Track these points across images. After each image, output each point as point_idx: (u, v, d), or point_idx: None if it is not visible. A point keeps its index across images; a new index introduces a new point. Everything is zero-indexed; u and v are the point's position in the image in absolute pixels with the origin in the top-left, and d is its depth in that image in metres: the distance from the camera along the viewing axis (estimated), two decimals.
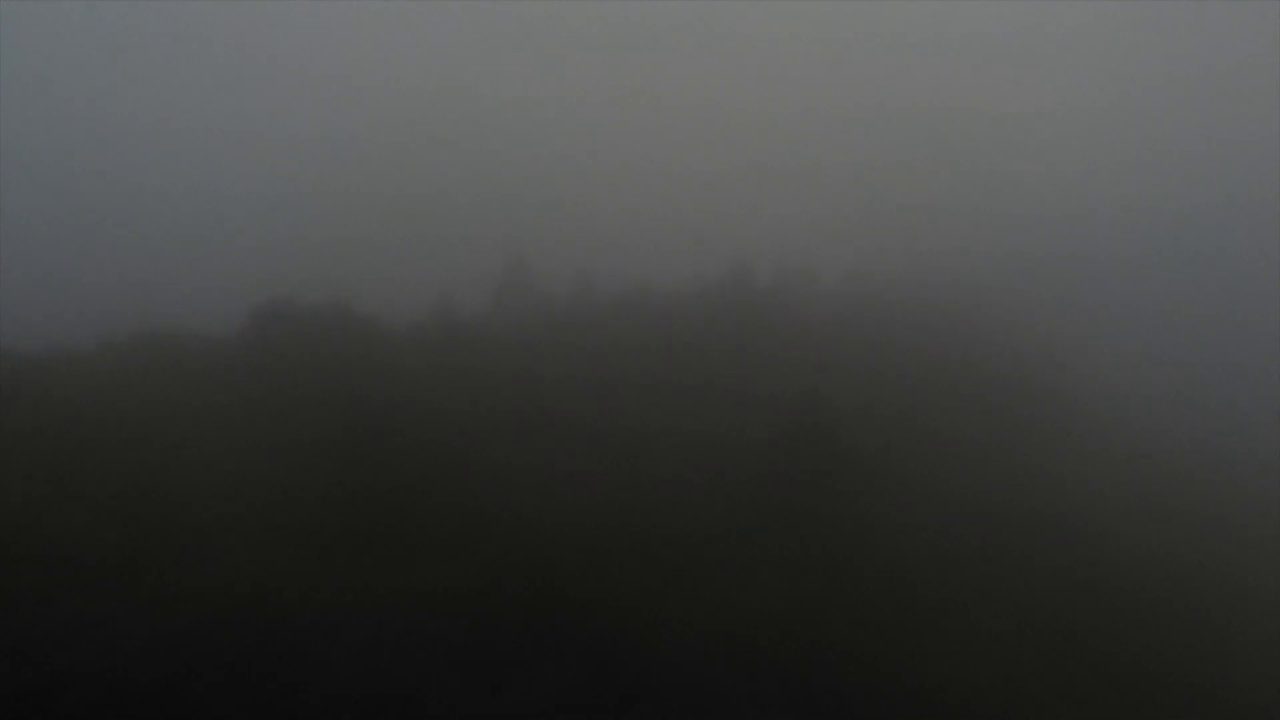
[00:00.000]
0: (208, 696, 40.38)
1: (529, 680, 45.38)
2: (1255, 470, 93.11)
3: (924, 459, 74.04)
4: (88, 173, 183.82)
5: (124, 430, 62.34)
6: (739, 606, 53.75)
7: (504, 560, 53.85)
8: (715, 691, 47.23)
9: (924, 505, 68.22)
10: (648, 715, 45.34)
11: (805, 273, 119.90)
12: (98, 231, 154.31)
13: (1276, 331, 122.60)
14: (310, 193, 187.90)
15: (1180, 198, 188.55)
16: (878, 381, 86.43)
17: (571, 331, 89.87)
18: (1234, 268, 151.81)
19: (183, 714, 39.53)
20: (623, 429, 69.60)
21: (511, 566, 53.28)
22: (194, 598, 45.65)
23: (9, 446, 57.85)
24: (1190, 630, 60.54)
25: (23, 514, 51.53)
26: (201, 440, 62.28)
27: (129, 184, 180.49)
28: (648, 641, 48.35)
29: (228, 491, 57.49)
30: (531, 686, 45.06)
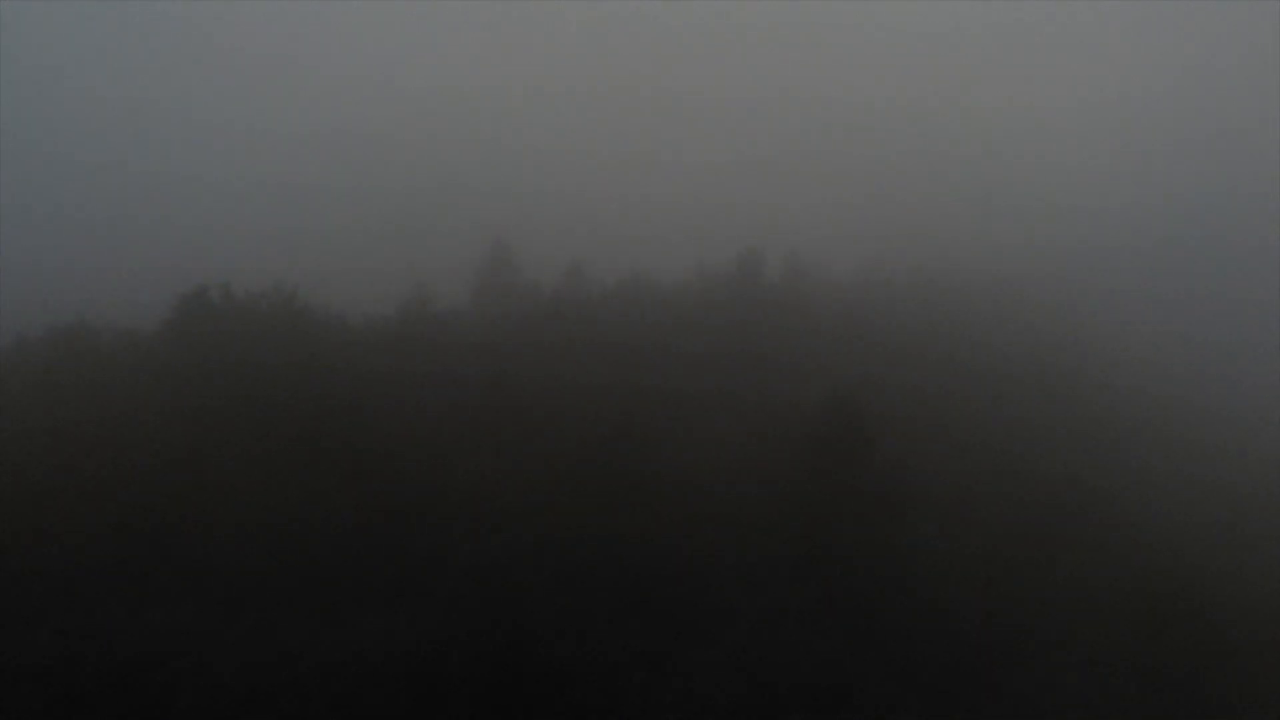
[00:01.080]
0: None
1: None
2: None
3: (948, 465, 65.49)
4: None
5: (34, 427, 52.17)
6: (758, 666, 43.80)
7: (473, 608, 43.75)
8: None
9: (945, 511, 59.61)
10: None
11: (816, 265, 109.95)
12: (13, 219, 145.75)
13: None
14: (287, 185, 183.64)
15: (1192, 189, 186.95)
16: (900, 382, 76.55)
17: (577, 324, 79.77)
18: (1245, 259, 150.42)
19: None
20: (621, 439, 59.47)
21: (481, 615, 43.18)
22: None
23: None
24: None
25: None
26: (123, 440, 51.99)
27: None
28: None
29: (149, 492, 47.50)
30: None
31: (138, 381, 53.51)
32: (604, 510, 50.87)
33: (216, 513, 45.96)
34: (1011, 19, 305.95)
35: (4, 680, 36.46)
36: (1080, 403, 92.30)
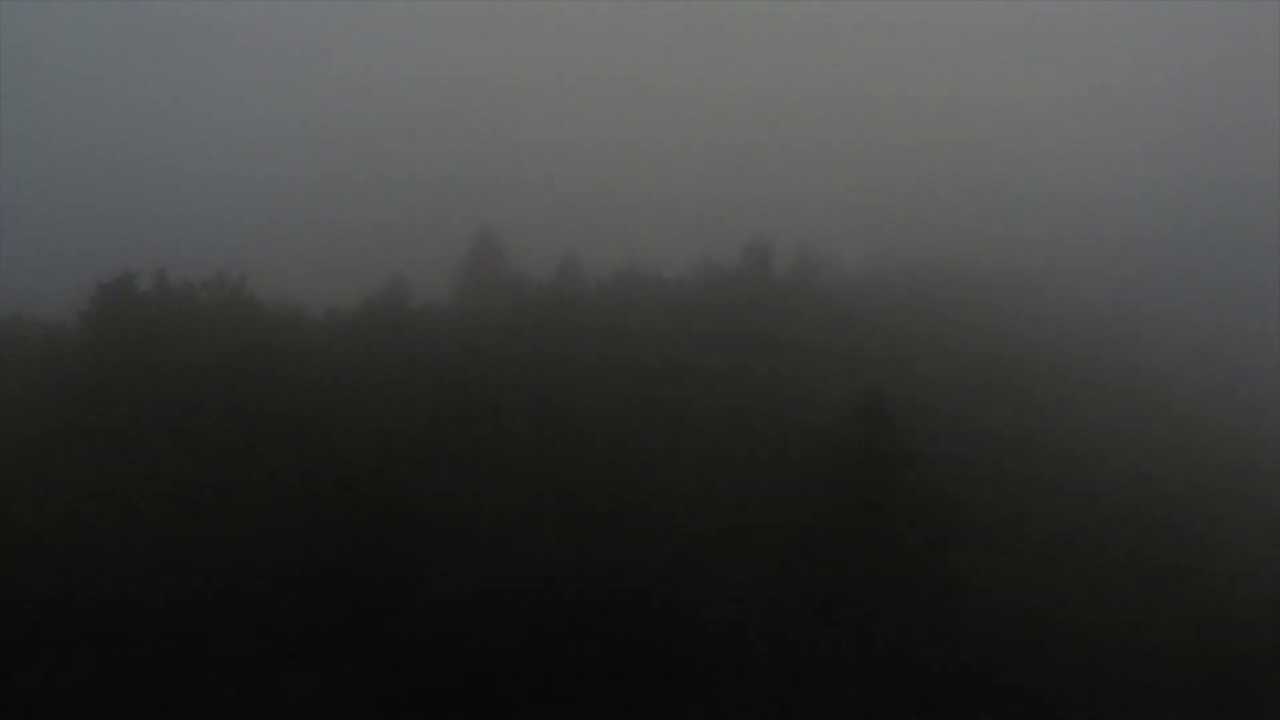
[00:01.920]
0: None
1: None
2: None
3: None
4: None
5: None
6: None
7: (436, 658, 36.22)
8: None
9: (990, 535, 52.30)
10: None
11: (827, 257, 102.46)
12: None
13: None
14: (270, 178, 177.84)
15: (1208, 178, 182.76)
16: (929, 387, 68.97)
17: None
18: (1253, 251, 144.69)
19: None
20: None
21: (446, 666, 35.65)
22: None
23: None
24: None
25: None
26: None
27: None
28: None
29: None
30: None
31: (47, 385, 45.89)
32: (596, 539, 43.25)
33: (130, 547, 38.34)
34: (1023, 10, 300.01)
35: None
36: (1116, 405, 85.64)
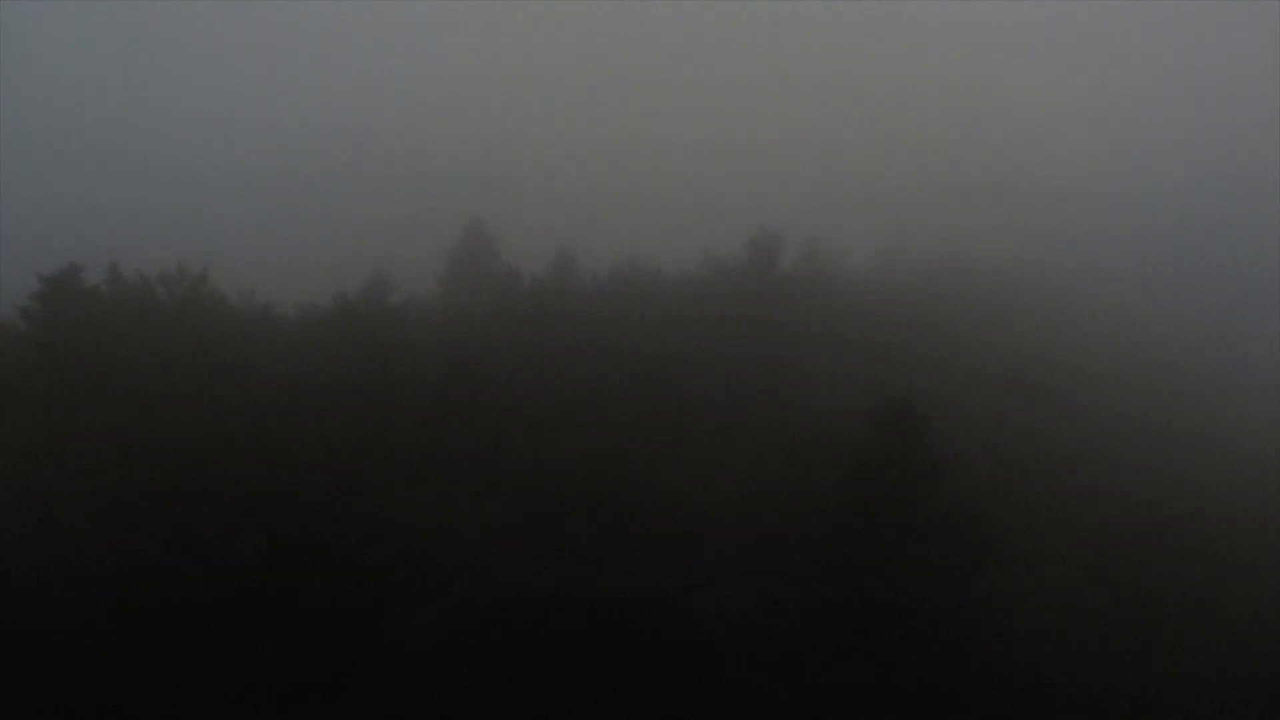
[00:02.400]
0: None
1: None
2: None
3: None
4: None
5: None
6: None
7: (403, 702, 31.41)
8: None
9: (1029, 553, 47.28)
10: None
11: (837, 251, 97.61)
12: None
13: None
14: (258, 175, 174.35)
15: (1217, 175, 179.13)
16: (952, 390, 64.05)
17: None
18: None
19: None
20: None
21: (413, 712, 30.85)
22: None
23: None
24: None
25: None
26: None
27: None
28: None
29: None
30: None
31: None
32: (589, 561, 38.46)
33: (59, 576, 33.52)
34: (1031, 6, 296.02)
35: None
36: (1142, 405, 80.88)
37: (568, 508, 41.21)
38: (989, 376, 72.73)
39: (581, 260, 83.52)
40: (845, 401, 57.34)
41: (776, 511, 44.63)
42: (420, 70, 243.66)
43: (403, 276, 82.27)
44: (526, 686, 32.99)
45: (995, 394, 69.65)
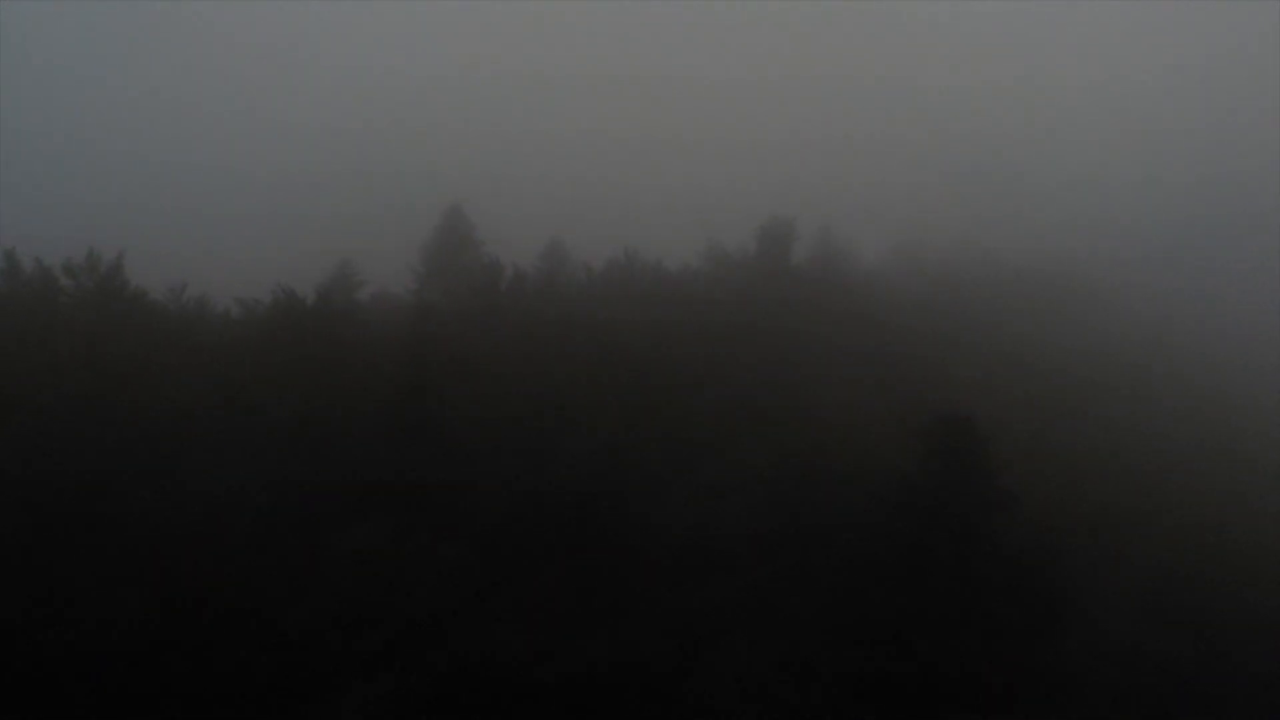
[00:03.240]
0: None
1: None
2: None
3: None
4: None
5: None
6: None
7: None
8: None
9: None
10: None
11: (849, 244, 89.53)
12: None
13: None
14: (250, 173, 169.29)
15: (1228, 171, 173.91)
16: (995, 398, 56.16)
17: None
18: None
19: None
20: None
21: None
22: None
23: None
24: None
25: None
26: None
27: None
28: None
29: None
30: None
31: None
32: (569, 620, 30.61)
33: None
34: (1049, 8, 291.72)
35: None
36: (1176, 411, 73.35)
37: (545, 549, 33.30)
38: (1023, 389, 64.80)
39: (577, 255, 76.04)
40: (874, 412, 49.71)
41: (800, 546, 36.83)
42: (420, 70, 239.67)
43: (389, 272, 75.29)
44: None
45: (1032, 409, 61.77)
